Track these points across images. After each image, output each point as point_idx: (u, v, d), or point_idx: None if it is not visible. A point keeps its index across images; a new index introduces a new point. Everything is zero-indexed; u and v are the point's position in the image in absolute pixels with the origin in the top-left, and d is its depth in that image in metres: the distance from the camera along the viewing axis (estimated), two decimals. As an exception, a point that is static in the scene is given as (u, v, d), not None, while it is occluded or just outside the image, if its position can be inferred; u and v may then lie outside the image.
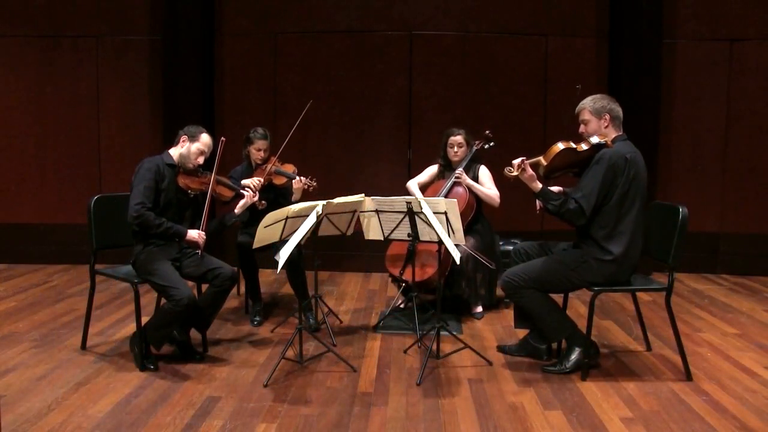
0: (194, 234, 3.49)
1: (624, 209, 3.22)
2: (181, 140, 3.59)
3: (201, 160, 3.59)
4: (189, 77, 5.83)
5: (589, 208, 3.19)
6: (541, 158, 3.29)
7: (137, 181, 3.43)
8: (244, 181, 4.06)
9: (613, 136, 3.33)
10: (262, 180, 4.11)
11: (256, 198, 3.81)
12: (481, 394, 3.11)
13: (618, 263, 3.24)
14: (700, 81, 5.84)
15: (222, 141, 3.63)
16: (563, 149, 3.25)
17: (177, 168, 3.57)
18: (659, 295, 4.57)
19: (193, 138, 3.57)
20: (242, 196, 3.76)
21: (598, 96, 3.38)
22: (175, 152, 3.59)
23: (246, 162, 4.44)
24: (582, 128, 3.40)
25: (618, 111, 3.36)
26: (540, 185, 3.30)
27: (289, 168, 4.36)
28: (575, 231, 3.39)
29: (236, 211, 3.80)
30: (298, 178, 4.24)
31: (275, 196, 4.28)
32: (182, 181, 3.55)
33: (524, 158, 3.27)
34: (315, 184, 4.23)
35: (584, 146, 3.28)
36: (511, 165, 3.28)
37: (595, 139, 3.28)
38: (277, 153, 4.32)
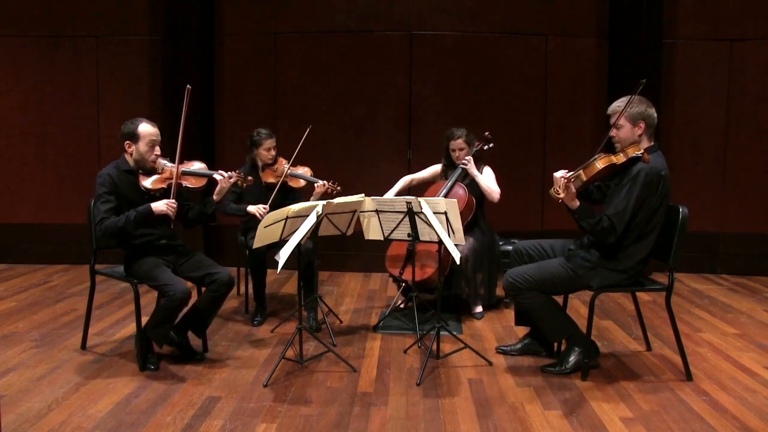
0: (161, 206, 3.30)
1: (651, 225, 3.17)
2: (126, 147, 3.41)
3: (157, 150, 3.41)
4: (189, 77, 5.80)
5: (621, 226, 3.09)
6: (581, 173, 3.09)
7: (94, 200, 3.36)
8: (250, 209, 4.06)
9: (646, 146, 3.17)
10: (267, 207, 4.03)
11: (233, 179, 3.52)
12: (481, 394, 3.11)
13: (629, 273, 3.23)
14: (700, 81, 5.83)
15: (188, 89, 3.38)
16: (607, 165, 3.08)
17: (136, 172, 3.44)
18: (659, 295, 4.57)
19: (134, 138, 3.38)
20: (216, 181, 3.51)
21: (635, 98, 3.11)
22: (129, 158, 3.44)
23: (249, 164, 4.41)
24: (613, 132, 3.19)
25: (654, 118, 3.18)
26: (578, 203, 3.11)
27: (307, 171, 4.37)
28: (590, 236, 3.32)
29: (214, 197, 3.57)
30: (321, 182, 4.22)
31: (284, 198, 4.25)
32: (143, 183, 3.41)
33: (565, 172, 3.05)
34: (339, 188, 4.22)
35: (623, 158, 3.11)
36: (553, 182, 3.05)
37: (632, 152, 3.10)
38: (290, 159, 4.29)
